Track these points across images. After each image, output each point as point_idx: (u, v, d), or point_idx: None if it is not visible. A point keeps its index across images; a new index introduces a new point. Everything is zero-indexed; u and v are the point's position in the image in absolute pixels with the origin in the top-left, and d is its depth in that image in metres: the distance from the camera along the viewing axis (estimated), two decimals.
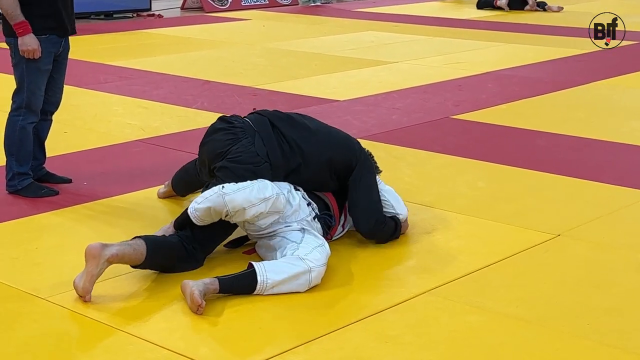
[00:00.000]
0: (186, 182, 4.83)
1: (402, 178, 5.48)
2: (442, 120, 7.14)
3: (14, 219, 4.73)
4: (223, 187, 3.88)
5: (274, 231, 3.99)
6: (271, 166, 4.10)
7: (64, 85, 5.33)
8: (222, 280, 3.64)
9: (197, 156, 4.43)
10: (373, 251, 4.32)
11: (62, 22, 5.06)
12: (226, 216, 3.90)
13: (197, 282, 3.57)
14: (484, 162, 5.89)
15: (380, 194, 4.38)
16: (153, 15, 14.86)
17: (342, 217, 4.40)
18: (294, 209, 4.03)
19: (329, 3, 17.17)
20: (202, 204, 3.87)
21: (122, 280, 3.93)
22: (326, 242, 4.01)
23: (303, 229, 3.99)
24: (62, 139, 6.44)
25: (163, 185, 5.04)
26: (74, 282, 3.66)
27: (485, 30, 12.78)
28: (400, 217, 4.42)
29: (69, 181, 5.32)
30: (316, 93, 8.18)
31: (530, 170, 5.70)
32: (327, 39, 11.92)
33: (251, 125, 4.20)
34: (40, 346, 3.36)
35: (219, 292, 3.64)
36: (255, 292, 3.69)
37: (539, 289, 3.91)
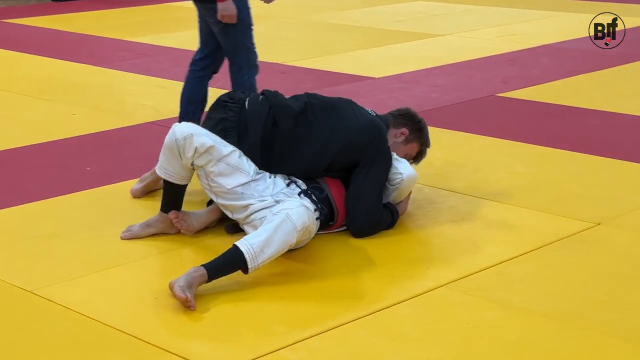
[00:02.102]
0: None
1: (433, 162, 5.48)
2: (486, 99, 7.13)
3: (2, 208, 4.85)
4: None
5: (248, 205, 4.15)
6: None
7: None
8: (208, 266, 3.73)
9: None
10: (388, 240, 4.37)
11: None
12: (179, 153, 4.15)
13: (177, 278, 3.65)
14: (527, 144, 5.89)
15: None
16: None
17: None
18: (267, 185, 4.23)
19: None
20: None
21: (113, 273, 4.03)
22: (307, 202, 4.13)
23: (278, 200, 4.13)
24: (69, 121, 6.59)
25: (138, 180, 5.01)
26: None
27: None
28: (400, 177, 4.45)
29: None
30: (351, 70, 8.23)
31: (577, 153, 5.68)
32: (371, 10, 11.95)
33: (245, 119, 4.38)
34: (22, 341, 3.46)
35: (208, 279, 3.71)
36: (249, 266, 3.74)
37: (569, 282, 3.92)
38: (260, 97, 4.51)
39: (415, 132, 4.71)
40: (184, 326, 3.56)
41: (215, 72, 5.77)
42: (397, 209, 4.52)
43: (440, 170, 5.37)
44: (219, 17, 5.38)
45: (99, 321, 3.57)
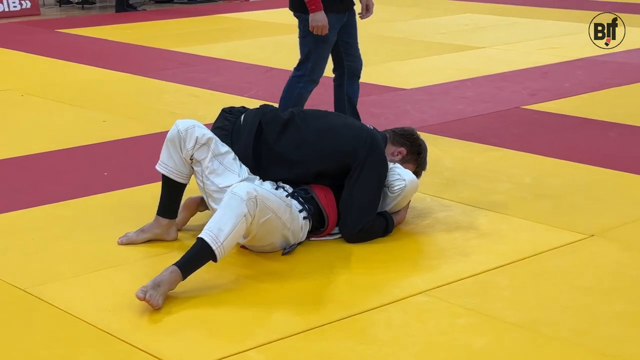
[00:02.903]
0: None
1: (441, 172, 5.54)
2: (510, 111, 7.13)
3: (17, 209, 5.01)
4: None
5: None
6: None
7: None
8: (178, 263, 3.84)
9: None
10: (377, 247, 4.42)
11: (342, 0, 5.72)
12: (180, 145, 4.30)
13: (144, 285, 3.75)
14: (540, 155, 5.89)
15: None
16: None
17: None
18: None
19: None
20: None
21: (105, 274, 4.15)
22: (295, 203, 4.30)
23: None
24: (99, 128, 6.77)
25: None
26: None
27: (601, 10, 12.56)
28: (403, 184, 4.49)
29: None
30: (382, 81, 8.28)
31: (588, 165, 5.67)
32: (416, 23, 11.99)
33: (238, 129, 4.53)
34: (2, 336, 3.60)
35: (182, 275, 3.82)
36: (212, 247, 3.83)
37: (547, 292, 3.93)
38: (256, 110, 4.63)
39: (413, 154, 4.75)
40: (160, 326, 3.65)
41: (356, 75, 5.98)
42: (392, 217, 4.57)
43: (447, 181, 5.41)
44: (310, 27, 5.60)
45: (81, 319, 3.69)
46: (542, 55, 9.46)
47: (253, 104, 7.29)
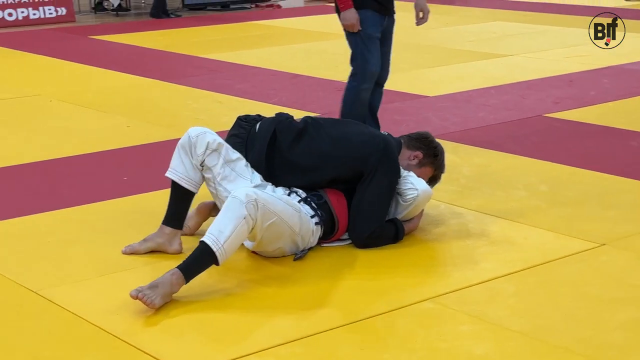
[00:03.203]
0: None
1: (458, 180, 5.53)
2: (532, 119, 7.10)
3: (36, 213, 5.07)
4: None
5: None
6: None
7: None
8: (180, 265, 3.88)
9: None
10: (385, 253, 4.43)
11: (381, 3, 5.85)
12: (191, 151, 4.36)
13: (141, 285, 3.81)
14: (557, 164, 5.86)
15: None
16: (272, 6, 15.29)
17: None
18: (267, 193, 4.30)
19: None
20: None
21: (116, 277, 4.20)
22: (307, 208, 4.34)
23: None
24: (122, 133, 6.83)
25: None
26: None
27: (629, 19, 12.46)
28: (416, 193, 4.49)
29: None
30: (407, 88, 8.28)
31: (606, 174, 5.63)
32: (446, 30, 11.97)
33: (253, 137, 4.57)
34: (11, 337, 3.65)
35: (185, 278, 3.85)
36: (213, 249, 3.86)
37: (553, 300, 3.91)
38: (271, 119, 4.66)
39: (430, 156, 4.73)
40: (162, 329, 3.67)
41: (379, 83, 6.07)
42: (403, 225, 4.57)
43: (462, 188, 5.40)
44: (342, 26, 5.79)
45: (87, 320, 3.73)
46: (569, 63, 9.41)
47: (276, 110, 7.38)
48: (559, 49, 10.33)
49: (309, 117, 4.76)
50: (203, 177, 4.43)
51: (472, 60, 9.75)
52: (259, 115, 4.73)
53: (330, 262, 4.32)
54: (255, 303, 3.89)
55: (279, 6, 15.24)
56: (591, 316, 3.76)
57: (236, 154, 4.45)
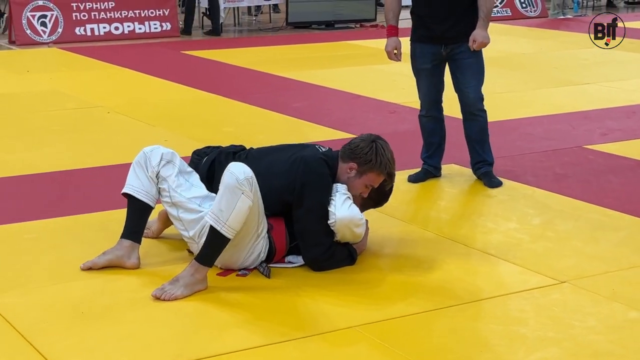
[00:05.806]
0: None
1: (453, 209, 5.47)
2: (568, 150, 6.92)
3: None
4: None
5: (202, 217, 4.40)
6: None
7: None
8: (196, 256, 4.24)
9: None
10: (323, 276, 4.46)
11: (427, 32, 5.92)
12: (146, 165, 4.55)
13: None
14: (568, 197, 5.70)
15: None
16: (376, 26, 15.32)
17: None
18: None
19: (582, 16, 16.77)
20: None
21: (72, 286, 4.34)
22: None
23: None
24: None
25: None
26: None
27: None
28: (333, 219, 4.42)
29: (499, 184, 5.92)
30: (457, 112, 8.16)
31: (611, 210, 5.45)
32: (536, 55, 11.76)
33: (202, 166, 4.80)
34: None
35: (204, 263, 4.20)
36: (217, 228, 4.14)
37: (477, 336, 3.84)
38: (218, 149, 4.90)
39: (365, 163, 4.57)
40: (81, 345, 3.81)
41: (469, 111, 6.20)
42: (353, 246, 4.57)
43: (452, 217, 5.34)
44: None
45: (15, 329, 3.89)
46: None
47: (320, 130, 7.45)
48: (638, 79, 10.01)
49: (252, 148, 4.84)
50: (159, 190, 4.54)
51: (545, 87, 9.55)
52: (208, 147, 4.94)
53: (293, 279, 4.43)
54: (246, 308, 4.09)
55: (382, 27, 15.25)
56: (504, 355, 3.68)
57: (190, 169, 4.62)
